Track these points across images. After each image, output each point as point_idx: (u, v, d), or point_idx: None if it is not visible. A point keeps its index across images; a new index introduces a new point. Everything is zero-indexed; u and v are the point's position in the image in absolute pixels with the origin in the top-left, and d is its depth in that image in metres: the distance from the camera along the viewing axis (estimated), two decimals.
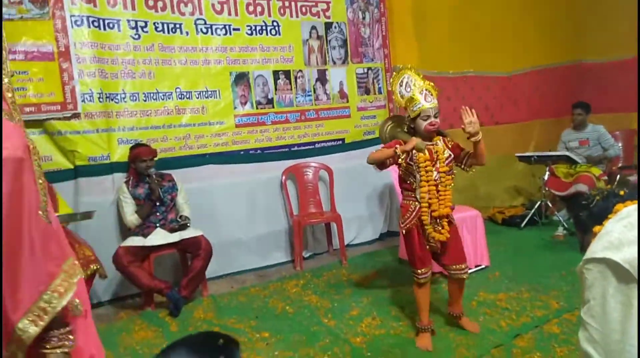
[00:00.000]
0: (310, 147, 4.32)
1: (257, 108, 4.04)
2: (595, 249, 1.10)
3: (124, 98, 3.49)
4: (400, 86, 2.33)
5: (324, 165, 4.24)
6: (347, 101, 4.50)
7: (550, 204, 4.44)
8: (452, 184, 2.35)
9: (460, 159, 2.36)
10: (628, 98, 5.08)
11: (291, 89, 4.20)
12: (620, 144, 4.52)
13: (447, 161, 2.33)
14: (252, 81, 4.00)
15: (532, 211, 4.55)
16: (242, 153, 3.98)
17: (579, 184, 4.06)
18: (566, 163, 4.27)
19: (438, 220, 2.34)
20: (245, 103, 3.99)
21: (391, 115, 2.53)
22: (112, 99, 3.45)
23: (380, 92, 4.67)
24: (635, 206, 1.16)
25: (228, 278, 3.76)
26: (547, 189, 4.41)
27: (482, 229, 3.52)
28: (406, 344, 2.46)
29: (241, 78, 3.95)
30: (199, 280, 3.24)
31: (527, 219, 4.50)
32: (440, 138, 2.37)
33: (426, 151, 2.27)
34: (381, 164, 2.35)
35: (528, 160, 4.48)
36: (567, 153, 4.21)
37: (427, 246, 2.39)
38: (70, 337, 1.01)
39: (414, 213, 2.35)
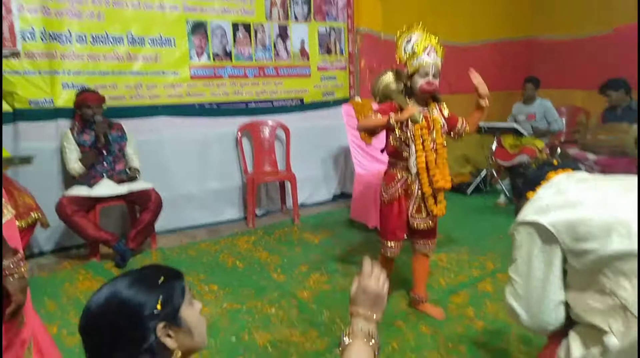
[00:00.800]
0: (268, 105, 4.26)
1: (214, 61, 3.90)
2: (526, 213, 1.18)
3: (69, 39, 3.26)
4: (407, 42, 2.13)
5: (281, 124, 4.20)
6: (308, 60, 4.43)
7: (495, 174, 4.67)
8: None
9: (457, 130, 2.24)
10: (575, 76, 5.33)
11: (250, 43, 4.07)
12: (564, 120, 4.76)
13: (443, 131, 2.19)
14: (210, 32, 3.84)
15: (479, 179, 4.77)
16: (196, 106, 3.86)
17: (522, 155, 4.30)
18: (513, 135, 4.47)
19: (436, 193, 2.19)
20: (202, 54, 3.84)
21: (391, 68, 2.28)
22: (56, 39, 3.21)
23: (342, 53, 4.62)
24: (566, 174, 1.24)
25: (178, 232, 3.73)
26: (493, 159, 4.62)
27: None
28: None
29: (198, 28, 3.78)
30: (147, 233, 3.20)
31: (473, 187, 4.73)
32: (436, 104, 2.22)
33: (423, 119, 2.12)
34: (372, 132, 2.22)
35: (478, 130, 4.64)
36: (514, 125, 4.41)
37: (408, 220, 2.24)
38: (22, 263, 1.02)
39: (400, 183, 2.19)
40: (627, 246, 0.96)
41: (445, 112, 2.23)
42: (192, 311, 0.91)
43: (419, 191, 2.20)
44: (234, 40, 3.98)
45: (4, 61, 3.01)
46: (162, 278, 0.89)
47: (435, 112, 2.19)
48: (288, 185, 4.15)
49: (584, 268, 1.06)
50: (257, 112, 4.18)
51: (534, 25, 5.81)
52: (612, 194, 1.10)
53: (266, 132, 4.18)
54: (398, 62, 2.19)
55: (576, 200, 1.11)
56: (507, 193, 4.40)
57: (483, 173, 4.80)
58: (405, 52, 2.13)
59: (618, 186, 1.13)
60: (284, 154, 4.21)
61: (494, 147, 4.62)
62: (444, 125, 2.21)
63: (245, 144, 4.11)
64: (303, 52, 4.39)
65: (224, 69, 3.97)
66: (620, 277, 0.96)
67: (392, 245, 2.28)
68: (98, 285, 2.71)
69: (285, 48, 4.29)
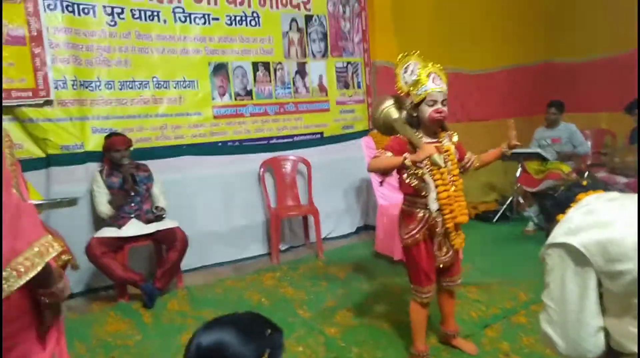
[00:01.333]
0: (289, 140, 4.32)
1: (235, 100, 4.01)
2: (556, 235, 1.15)
3: (98, 86, 3.42)
4: (405, 72, 2.05)
5: (302, 158, 4.24)
6: (326, 95, 4.51)
7: (521, 200, 4.57)
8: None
9: (463, 163, 2.12)
10: (597, 98, 5.26)
11: (270, 81, 4.18)
12: (589, 143, 4.66)
13: (457, 162, 2.08)
14: (231, 72, 3.97)
15: (504, 206, 4.67)
16: (219, 144, 3.95)
17: (549, 180, 4.20)
18: (537, 160, 4.39)
19: (456, 228, 2.08)
20: (224, 94, 3.96)
21: (390, 95, 2.16)
22: (86, 87, 3.37)
23: (359, 87, 4.70)
24: (597, 195, 1.22)
25: (203, 270, 3.74)
26: (518, 185, 4.54)
27: None
28: (379, 335, 2.50)
29: (220, 69, 3.91)
30: (173, 272, 3.22)
31: (499, 215, 4.63)
32: (446, 134, 2.10)
33: (442, 159, 1.91)
34: (383, 173, 2.10)
35: (501, 157, 4.58)
36: (538, 150, 4.34)
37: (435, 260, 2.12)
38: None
39: (422, 223, 2.05)
40: None
41: (455, 138, 2.11)
42: None
43: (442, 228, 2.07)
44: (255, 79, 4.10)
45: (39, 109, 3.16)
46: (269, 331, 0.89)
47: (447, 142, 2.07)
48: (311, 219, 4.15)
49: (620, 291, 1.02)
50: (279, 148, 4.24)
51: (549, 49, 5.82)
52: None
53: (288, 167, 4.23)
54: (399, 93, 2.10)
55: (607, 220, 1.08)
56: (534, 220, 4.28)
57: (509, 201, 4.70)
58: (405, 81, 2.05)
59: None
60: (306, 189, 4.23)
61: (518, 173, 4.54)
62: (456, 154, 2.10)
63: (268, 179, 4.15)
64: (322, 88, 4.48)
65: (246, 107, 4.07)
66: None
67: (428, 289, 2.11)
68: (126, 326, 2.75)
69: (304, 84, 4.39)
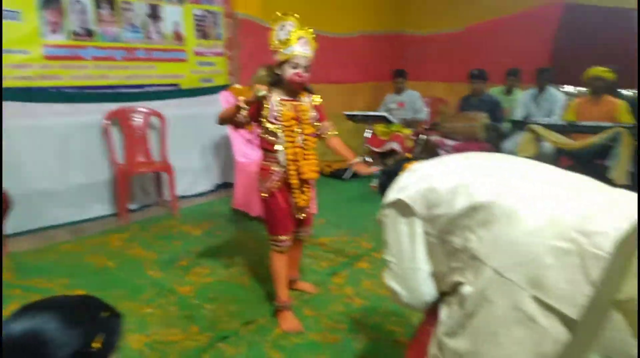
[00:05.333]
0: (140, 90, 3.94)
1: (72, 39, 3.48)
2: (387, 196, 1.27)
3: None
4: (281, 30, 2.04)
5: (155, 111, 3.93)
6: (183, 44, 4.20)
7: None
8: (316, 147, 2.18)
9: (319, 128, 2.19)
10: (438, 69, 5.89)
11: (116, 22, 3.72)
12: (428, 109, 5.23)
13: (312, 122, 2.14)
14: (67, 6, 3.41)
15: None
16: (53, 90, 3.42)
17: (392, 142, 4.65)
18: (384, 123, 4.80)
19: (303, 184, 2.16)
20: (57, 31, 3.39)
21: (268, 65, 2.15)
22: None
23: (219, 39, 4.47)
24: (419, 163, 1.37)
25: (35, 234, 3.29)
26: (367, 145, 4.92)
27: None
28: (235, 290, 2.53)
29: (51, 0, 3.33)
30: None
31: (349, 173, 4.97)
32: (307, 94, 2.15)
33: (291, 109, 2.04)
34: (234, 123, 2.10)
35: (353, 118, 4.89)
36: (384, 114, 4.73)
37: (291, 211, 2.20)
38: None
39: (277, 176, 2.12)
40: (467, 202, 1.07)
41: (318, 100, 2.19)
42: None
43: (289, 181, 2.14)
44: (97, 18, 3.59)
45: None
46: (103, 314, 0.76)
47: (305, 103, 2.13)
48: (165, 177, 3.91)
49: (439, 233, 1.15)
50: (128, 98, 3.84)
51: (401, 21, 6.28)
52: (455, 165, 1.23)
53: (138, 119, 3.88)
54: (270, 48, 2.11)
55: (427, 173, 1.23)
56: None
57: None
58: (278, 38, 2.05)
59: (460, 158, 1.27)
60: (160, 144, 3.96)
61: (368, 134, 4.91)
62: (315, 116, 2.17)
63: (115, 133, 3.76)
64: (178, 36, 4.14)
65: (86, 49, 3.56)
66: (466, 232, 1.07)
67: (285, 238, 2.18)
68: None
69: (158, 30, 4.00)
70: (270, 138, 2.08)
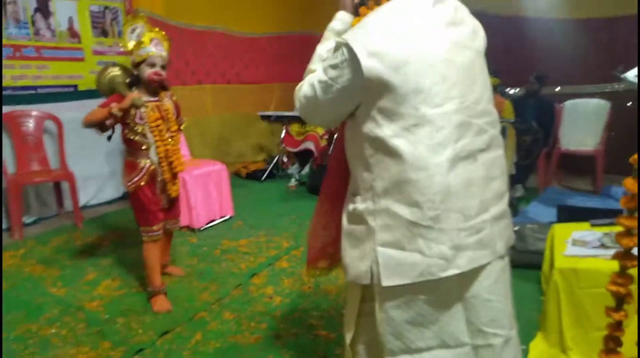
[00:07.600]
0: (31, 92, 3.61)
1: None
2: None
3: None
4: (132, 32, 2.17)
5: (50, 114, 3.61)
6: (80, 42, 3.90)
7: (285, 159, 5.02)
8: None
9: (178, 120, 2.42)
10: None
11: None
12: None
13: (176, 119, 2.35)
14: None
15: (271, 165, 5.05)
16: None
17: (307, 141, 4.73)
18: (298, 123, 4.87)
19: (174, 177, 2.37)
20: None
21: (115, 62, 2.32)
22: None
23: (120, 36, 4.21)
24: None
25: None
26: (283, 145, 4.95)
27: (227, 182, 3.71)
28: (146, 300, 2.42)
29: None
30: None
31: (266, 173, 4.98)
32: (167, 94, 2.32)
33: (155, 109, 2.20)
34: (102, 126, 2.15)
35: (268, 119, 4.91)
36: (298, 114, 4.80)
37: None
38: None
39: (143, 171, 2.24)
40: None
41: (174, 98, 2.38)
42: None
43: (162, 176, 2.31)
44: None
45: None
46: None
47: (167, 101, 2.29)
48: (65, 186, 3.61)
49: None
50: (16, 100, 3.50)
51: (312, 22, 6.38)
52: None
53: (30, 124, 3.54)
54: (124, 50, 2.22)
55: None
56: (297, 177, 4.77)
57: (275, 160, 5.10)
58: (130, 41, 2.17)
59: None
60: (57, 151, 3.64)
61: (282, 134, 4.94)
62: (175, 112, 2.35)
63: (3, 139, 3.39)
64: (73, 33, 3.85)
65: None
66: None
67: (157, 227, 2.32)
68: None
69: (49, 26, 3.68)
70: (139, 138, 2.20)
